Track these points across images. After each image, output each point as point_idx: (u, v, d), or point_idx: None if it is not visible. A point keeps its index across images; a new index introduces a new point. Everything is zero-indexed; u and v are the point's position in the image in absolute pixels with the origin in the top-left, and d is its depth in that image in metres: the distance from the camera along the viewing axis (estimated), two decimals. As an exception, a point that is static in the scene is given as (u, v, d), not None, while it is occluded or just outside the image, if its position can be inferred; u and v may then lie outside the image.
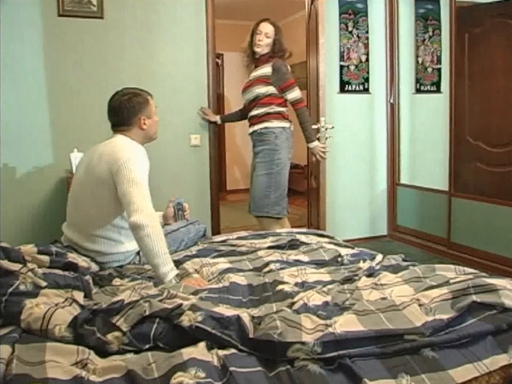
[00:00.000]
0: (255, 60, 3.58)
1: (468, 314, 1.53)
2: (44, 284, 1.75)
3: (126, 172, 2.17)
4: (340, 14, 4.53)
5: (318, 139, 3.75)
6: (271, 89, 3.46)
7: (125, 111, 2.36)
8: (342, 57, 4.57)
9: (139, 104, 2.39)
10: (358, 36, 4.61)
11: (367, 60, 4.67)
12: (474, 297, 1.57)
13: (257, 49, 3.50)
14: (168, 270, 2.08)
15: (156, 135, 2.52)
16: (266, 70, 3.48)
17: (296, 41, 7.35)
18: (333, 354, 1.39)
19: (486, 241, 3.85)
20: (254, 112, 3.53)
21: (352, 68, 4.61)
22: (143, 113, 2.40)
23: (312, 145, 3.60)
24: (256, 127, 3.53)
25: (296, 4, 5.15)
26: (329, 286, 1.94)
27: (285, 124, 3.51)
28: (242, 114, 3.84)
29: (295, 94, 3.47)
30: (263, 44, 3.47)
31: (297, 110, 3.50)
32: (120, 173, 2.18)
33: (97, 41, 3.65)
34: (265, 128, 3.48)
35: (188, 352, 1.38)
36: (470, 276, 1.83)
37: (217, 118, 3.97)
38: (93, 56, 3.64)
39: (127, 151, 2.25)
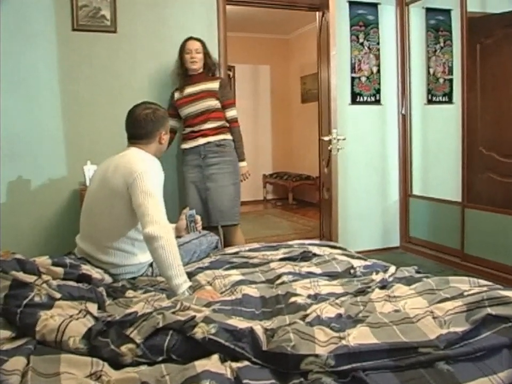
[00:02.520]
0: (189, 78, 3.56)
1: (482, 327, 1.52)
2: (58, 295, 1.76)
3: (141, 183, 2.19)
4: (351, 26, 4.55)
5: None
6: (218, 103, 3.52)
7: (150, 124, 2.38)
8: (353, 69, 4.58)
9: (162, 119, 2.44)
10: (369, 48, 4.63)
11: (378, 71, 4.68)
12: (489, 310, 1.55)
13: (194, 66, 3.52)
14: (181, 282, 2.09)
15: (162, 153, 2.56)
16: (214, 85, 3.52)
17: (307, 53, 7.41)
18: (346, 367, 1.38)
19: (501, 252, 3.81)
20: (209, 125, 3.50)
21: (363, 79, 4.62)
22: (164, 128, 2.44)
23: (243, 164, 3.63)
24: (211, 138, 3.50)
25: (307, 16, 5.17)
26: (342, 298, 1.93)
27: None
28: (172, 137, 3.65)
29: (235, 112, 3.59)
30: (197, 59, 3.51)
31: (234, 127, 3.59)
32: (135, 185, 2.19)
33: (110, 55, 3.70)
34: (224, 140, 3.53)
35: (201, 365, 1.38)
36: (485, 288, 1.81)
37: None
38: (106, 69, 3.69)
39: (143, 164, 2.27)
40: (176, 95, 3.59)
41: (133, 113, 2.41)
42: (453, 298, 1.75)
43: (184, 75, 3.58)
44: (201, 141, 3.52)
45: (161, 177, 2.34)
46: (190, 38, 3.57)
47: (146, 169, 2.24)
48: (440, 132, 4.87)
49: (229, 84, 3.64)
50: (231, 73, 7.71)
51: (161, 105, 2.52)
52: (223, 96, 3.53)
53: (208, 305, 1.83)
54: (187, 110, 3.54)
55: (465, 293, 1.77)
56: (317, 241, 3.21)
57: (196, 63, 3.51)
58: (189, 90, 3.54)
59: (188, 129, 3.57)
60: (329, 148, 3.97)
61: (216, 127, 3.51)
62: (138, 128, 2.40)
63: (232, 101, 3.61)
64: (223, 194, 3.50)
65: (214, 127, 3.51)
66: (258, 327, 1.56)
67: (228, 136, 3.55)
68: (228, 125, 3.57)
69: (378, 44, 4.66)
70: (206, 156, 3.52)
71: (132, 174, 2.21)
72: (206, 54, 3.56)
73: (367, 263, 2.47)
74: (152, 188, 2.20)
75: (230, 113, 3.57)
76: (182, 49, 3.55)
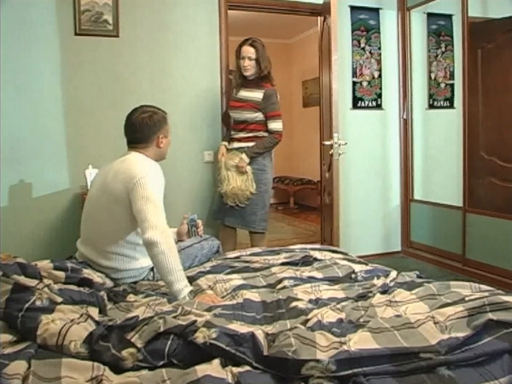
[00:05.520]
0: (245, 80, 3.64)
1: (484, 332, 1.51)
2: (59, 299, 1.76)
3: (141, 189, 2.19)
4: (352, 31, 4.55)
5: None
6: (259, 115, 3.56)
7: (145, 128, 2.38)
8: (354, 74, 4.59)
9: (159, 122, 2.42)
10: (370, 52, 4.63)
11: (380, 76, 4.69)
12: (490, 315, 1.55)
13: (246, 74, 3.58)
14: (182, 287, 2.09)
15: (166, 155, 2.55)
16: (257, 95, 3.56)
17: (309, 58, 7.42)
18: (347, 372, 1.38)
19: (502, 257, 3.81)
20: (244, 135, 3.60)
21: (364, 84, 4.62)
22: (162, 132, 2.43)
23: (244, 157, 3.52)
24: (243, 144, 3.59)
25: (308, 20, 5.18)
26: (343, 303, 1.93)
27: None
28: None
29: (277, 125, 3.57)
30: (249, 67, 3.55)
31: (270, 135, 3.57)
32: (135, 190, 2.19)
33: (113, 59, 3.71)
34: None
35: (202, 369, 1.38)
36: (486, 293, 1.81)
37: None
38: (108, 74, 3.70)
39: (143, 169, 2.27)
40: (234, 92, 3.72)
41: (130, 117, 2.41)
42: (454, 303, 1.74)
43: (242, 78, 3.64)
44: (235, 145, 3.63)
45: (161, 181, 2.35)
46: (245, 43, 3.57)
47: (146, 174, 2.24)
48: (442, 136, 4.87)
49: (274, 94, 3.57)
50: (232, 77, 7.72)
51: (160, 108, 2.51)
52: (265, 108, 3.54)
53: (209, 309, 1.83)
54: (233, 115, 3.70)
55: (467, 298, 1.77)
56: (318, 246, 3.20)
57: (248, 71, 3.56)
58: (241, 93, 3.65)
59: (231, 132, 3.72)
60: (330, 152, 3.97)
61: (251, 136, 3.59)
62: (134, 132, 2.40)
63: (274, 113, 3.56)
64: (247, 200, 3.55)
65: (248, 136, 3.60)
66: (259, 331, 1.56)
67: None
68: (264, 135, 3.58)
69: (379, 48, 4.67)
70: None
71: (132, 179, 2.21)
72: (257, 61, 3.54)
73: (368, 267, 2.47)
74: (151, 193, 2.20)
75: (271, 125, 3.56)
76: (237, 53, 3.60)
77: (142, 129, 2.38)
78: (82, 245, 2.43)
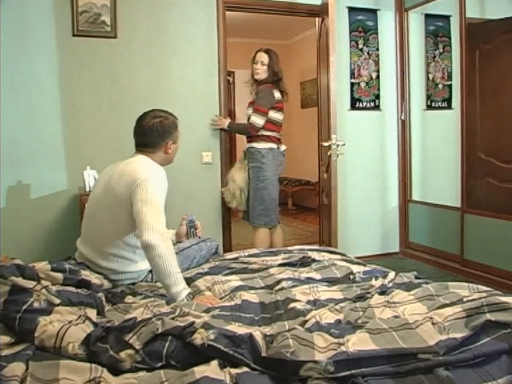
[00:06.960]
0: (257, 85, 3.93)
1: (482, 333, 1.51)
2: (57, 301, 1.76)
3: (142, 191, 2.19)
4: (350, 32, 4.56)
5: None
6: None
7: (155, 135, 2.38)
8: (352, 75, 4.59)
9: (169, 129, 2.42)
10: (368, 53, 4.64)
11: (378, 76, 4.69)
12: (488, 316, 1.55)
13: (256, 77, 3.93)
14: (180, 290, 2.08)
15: (173, 160, 2.55)
16: (255, 94, 3.93)
17: (307, 59, 7.42)
18: (345, 373, 1.38)
19: (500, 258, 3.81)
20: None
21: (362, 85, 4.62)
22: (171, 138, 2.43)
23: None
24: (247, 145, 3.94)
25: (306, 21, 5.19)
26: (342, 304, 1.93)
27: (272, 145, 3.87)
28: None
29: (255, 118, 3.78)
30: (260, 71, 3.89)
31: (246, 123, 3.85)
32: (136, 192, 2.19)
33: (110, 60, 3.70)
34: (252, 147, 3.87)
35: (200, 371, 1.38)
36: (484, 294, 1.81)
37: (226, 123, 4.01)
38: (106, 75, 3.69)
39: (146, 172, 2.27)
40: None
41: (141, 121, 2.41)
42: (452, 304, 1.74)
43: (255, 82, 3.96)
44: (246, 146, 3.95)
45: (164, 186, 2.34)
46: (261, 50, 3.93)
47: (148, 177, 2.24)
48: (440, 137, 4.87)
49: (264, 91, 3.83)
50: (230, 79, 7.72)
51: (172, 113, 2.50)
52: (254, 104, 3.81)
53: (207, 311, 1.83)
54: None
55: (465, 299, 1.77)
56: (316, 247, 3.20)
57: (258, 74, 3.90)
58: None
59: None
60: (328, 153, 3.97)
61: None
62: (143, 137, 2.40)
63: (257, 107, 3.79)
64: (249, 196, 3.88)
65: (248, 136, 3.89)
66: (257, 333, 1.55)
67: (258, 145, 3.83)
68: (265, 133, 3.84)
69: (377, 49, 4.68)
70: (248, 160, 3.93)
71: (135, 181, 2.22)
72: (269, 67, 3.87)
73: (367, 268, 2.47)
74: (153, 195, 2.20)
75: (251, 117, 3.80)
76: (252, 59, 3.91)
77: (151, 135, 2.38)
78: (82, 245, 2.42)
